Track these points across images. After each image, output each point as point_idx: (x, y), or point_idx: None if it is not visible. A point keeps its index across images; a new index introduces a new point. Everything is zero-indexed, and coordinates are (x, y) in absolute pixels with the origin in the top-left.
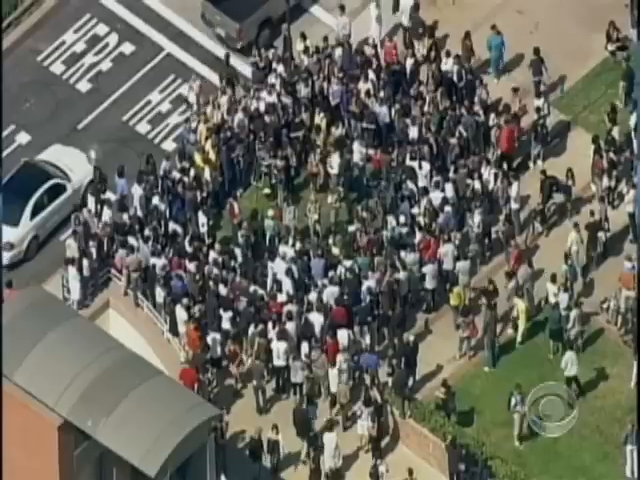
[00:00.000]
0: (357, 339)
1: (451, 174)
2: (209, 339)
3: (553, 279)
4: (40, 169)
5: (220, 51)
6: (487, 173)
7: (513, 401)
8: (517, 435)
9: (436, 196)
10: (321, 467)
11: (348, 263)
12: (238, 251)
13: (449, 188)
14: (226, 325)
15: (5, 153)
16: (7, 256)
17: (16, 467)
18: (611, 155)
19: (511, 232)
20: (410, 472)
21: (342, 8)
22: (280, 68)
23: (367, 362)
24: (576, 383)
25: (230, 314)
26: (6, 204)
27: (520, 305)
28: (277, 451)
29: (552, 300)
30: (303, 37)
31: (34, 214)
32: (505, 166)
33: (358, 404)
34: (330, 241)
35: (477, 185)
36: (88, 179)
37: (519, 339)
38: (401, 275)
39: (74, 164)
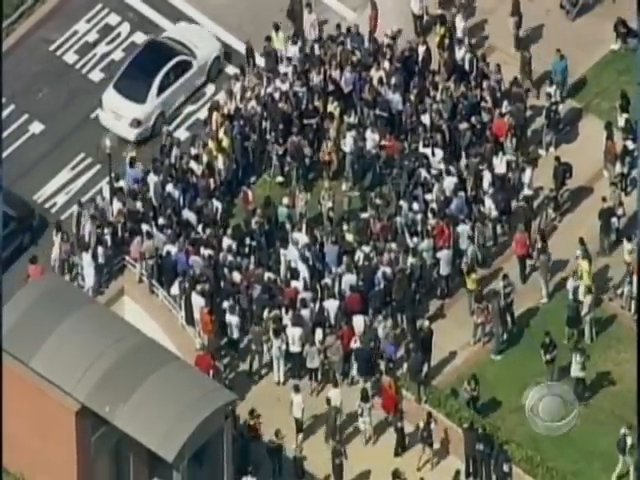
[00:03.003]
0: (373, 326)
1: (464, 161)
2: (226, 322)
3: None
4: (166, 46)
5: (228, 39)
6: (500, 160)
7: (628, 441)
8: (617, 475)
9: (449, 182)
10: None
11: (367, 249)
12: (252, 238)
13: (462, 175)
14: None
15: (18, 143)
16: (134, 133)
17: (33, 452)
18: (625, 142)
19: (524, 217)
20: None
21: (309, 6)
22: (292, 55)
23: (385, 350)
24: (582, 384)
25: (230, 302)
26: (133, 81)
27: (584, 266)
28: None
29: (568, 287)
30: (276, 28)
31: (160, 91)
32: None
33: (357, 402)
34: (344, 228)
35: (489, 172)
36: (214, 56)
37: (582, 297)
38: (413, 261)
39: (199, 41)
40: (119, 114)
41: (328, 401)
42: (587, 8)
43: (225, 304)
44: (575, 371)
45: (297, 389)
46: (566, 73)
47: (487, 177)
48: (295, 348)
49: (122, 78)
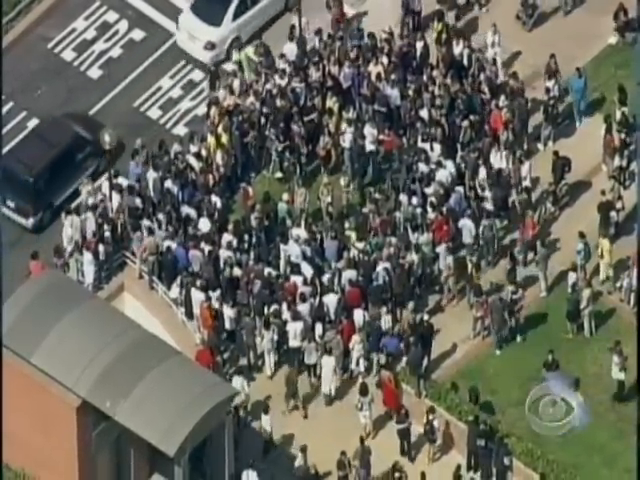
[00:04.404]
0: (372, 320)
1: (461, 154)
2: (224, 315)
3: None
4: None
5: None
6: (498, 155)
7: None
8: None
9: (443, 175)
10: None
11: (360, 245)
12: (251, 234)
13: (460, 169)
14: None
15: (17, 140)
16: (209, 55)
17: (34, 448)
18: (623, 135)
19: (526, 204)
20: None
21: (299, 10)
22: (289, 52)
23: (387, 345)
24: (620, 388)
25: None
26: (209, 4)
27: (605, 245)
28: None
29: (569, 281)
30: (239, 47)
31: (236, 15)
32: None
33: (356, 396)
34: (346, 225)
35: (487, 166)
36: None
37: (603, 277)
38: (414, 256)
39: None
40: (194, 36)
41: (301, 363)
42: (584, 3)
43: (219, 294)
44: (615, 373)
45: (266, 410)
46: (584, 91)
47: (483, 171)
48: (295, 343)
49: (199, 0)
